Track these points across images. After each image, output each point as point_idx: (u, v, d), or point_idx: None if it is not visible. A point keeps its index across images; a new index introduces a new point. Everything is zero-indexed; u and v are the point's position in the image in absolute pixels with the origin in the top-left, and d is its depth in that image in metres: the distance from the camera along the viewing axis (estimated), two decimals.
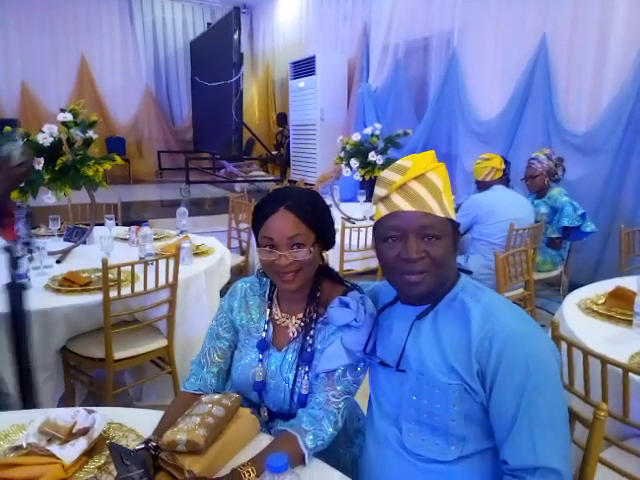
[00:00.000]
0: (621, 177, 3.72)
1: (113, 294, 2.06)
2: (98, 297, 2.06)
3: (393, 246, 0.99)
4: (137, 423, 1.17)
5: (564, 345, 1.39)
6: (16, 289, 1.52)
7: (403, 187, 0.98)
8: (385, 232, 1.00)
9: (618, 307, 1.80)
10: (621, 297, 1.83)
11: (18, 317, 1.54)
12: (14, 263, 1.50)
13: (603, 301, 1.90)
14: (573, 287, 2.19)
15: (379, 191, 1.02)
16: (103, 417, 1.15)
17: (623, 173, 3.70)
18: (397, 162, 1.02)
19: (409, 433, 1.00)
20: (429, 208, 0.96)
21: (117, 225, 3.50)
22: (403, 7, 5.65)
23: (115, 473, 0.96)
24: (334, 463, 1.09)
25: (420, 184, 0.98)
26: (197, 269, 2.52)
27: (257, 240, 1.19)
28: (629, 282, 1.98)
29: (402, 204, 0.97)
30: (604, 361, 1.24)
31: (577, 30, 3.91)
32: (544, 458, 0.87)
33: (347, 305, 1.13)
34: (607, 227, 3.76)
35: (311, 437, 1.05)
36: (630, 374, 1.23)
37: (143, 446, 0.99)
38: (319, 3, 7.55)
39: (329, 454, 1.11)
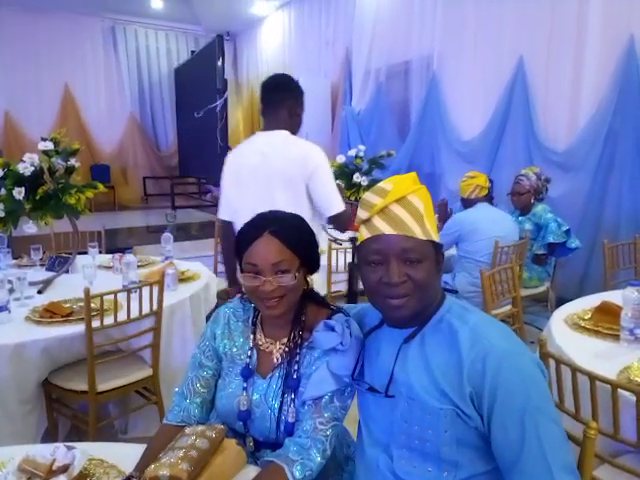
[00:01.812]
0: (602, 193, 3.78)
1: (96, 324, 2.01)
2: (80, 328, 2.01)
3: (375, 270, 0.98)
4: (119, 458, 1.13)
5: (552, 363, 1.38)
6: None
7: (384, 210, 0.97)
8: (367, 256, 0.99)
9: (605, 322, 1.80)
10: (607, 312, 1.83)
11: None
12: None
13: (590, 316, 1.90)
14: (560, 302, 2.19)
15: (361, 213, 1.01)
16: (83, 453, 1.10)
17: (603, 189, 3.76)
18: (378, 184, 1.02)
19: (400, 460, 0.98)
20: (410, 231, 0.95)
21: (101, 253, 3.45)
22: (383, 32, 5.78)
23: None
24: None
25: (401, 207, 0.97)
26: (182, 295, 2.48)
27: (240, 266, 1.17)
28: (615, 296, 1.98)
29: (383, 227, 0.97)
30: (592, 378, 1.23)
31: (553, 51, 4.01)
32: (560, 477, 0.85)
33: (332, 328, 1.11)
34: (591, 242, 3.81)
35: (299, 467, 1.02)
36: (619, 390, 1.22)
37: None
38: (301, 30, 7.69)
39: None
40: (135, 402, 2.41)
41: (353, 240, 2.27)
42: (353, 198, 3.85)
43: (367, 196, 1.01)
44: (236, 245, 1.18)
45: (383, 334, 1.09)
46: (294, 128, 2.11)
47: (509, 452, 0.89)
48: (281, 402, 1.13)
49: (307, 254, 1.17)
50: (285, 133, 2.07)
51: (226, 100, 7.33)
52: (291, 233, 1.14)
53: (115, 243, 5.26)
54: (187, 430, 1.08)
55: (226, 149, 7.54)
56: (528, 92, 4.21)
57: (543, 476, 0.86)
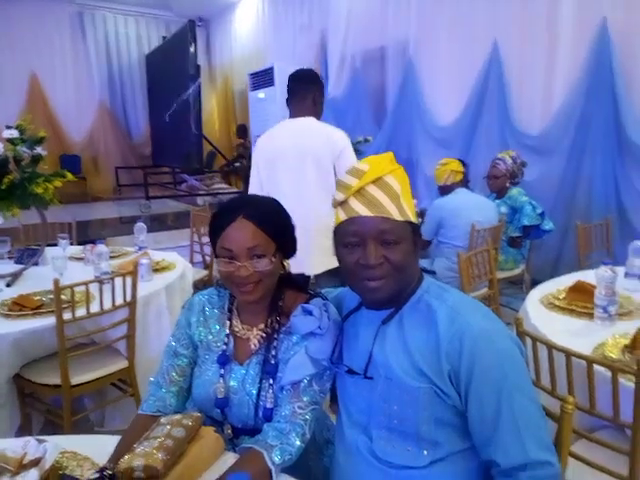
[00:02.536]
0: (574, 176, 3.84)
1: (67, 316, 1.96)
2: (51, 320, 1.95)
3: (352, 252, 0.97)
4: (93, 451, 1.09)
5: (529, 341, 1.40)
6: None
7: (360, 191, 0.96)
8: (344, 238, 0.98)
9: (579, 301, 1.83)
10: (581, 291, 1.86)
11: None
12: None
13: (564, 296, 1.92)
14: (535, 284, 2.22)
15: (337, 195, 0.99)
16: (55, 446, 1.06)
17: (576, 172, 3.82)
18: (354, 165, 1.00)
19: (379, 440, 0.98)
20: (387, 212, 0.94)
21: (72, 245, 3.36)
22: (359, 17, 5.73)
23: None
24: (304, 476, 1.06)
25: (378, 188, 0.96)
26: (157, 286, 2.44)
27: (215, 251, 1.14)
28: (588, 276, 2.02)
29: (360, 209, 0.95)
30: (568, 354, 1.25)
31: (526, 34, 4.03)
32: (535, 453, 0.87)
33: (310, 313, 1.10)
34: (564, 225, 3.87)
35: (278, 452, 1.00)
36: (594, 366, 1.24)
37: (98, 475, 0.93)
38: (275, 14, 7.57)
39: (298, 467, 1.07)
40: (111, 395, 2.37)
41: None
42: None
43: (343, 177, 1.00)
44: (210, 230, 1.15)
45: (361, 316, 1.08)
46: (318, 115, 2.36)
47: (485, 428, 0.90)
48: (259, 388, 1.12)
49: (283, 238, 1.15)
50: (312, 119, 2.32)
51: (199, 87, 7.19)
52: (266, 217, 1.12)
53: (87, 235, 5.14)
54: (163, 419, 1.05)
55: (200, 137, 7.43)
56: (502, 76, 4.23)
57: (517, 451, 0.87)
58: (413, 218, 0.98)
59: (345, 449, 1.06)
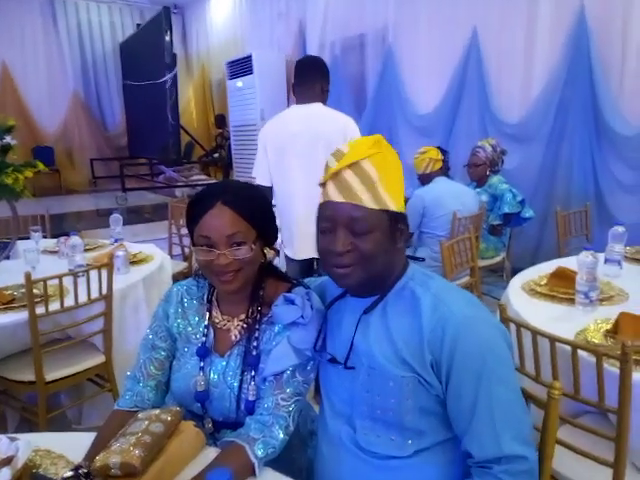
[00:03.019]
0: (553, 163, 3.87)
1: (40, 310, 1.90)
2: (23, 315, 1.89)
3: (325, 237, 0.95)
4: (68, 448, 1.05)
5: (513, 327, 1.39)
6: None
7: (337, 175, 0.93)
8: (319, 222, 0.97)
9: (560, 287, 1.83)
10: (562, 277, 1.87)
11: None
12: None
13: (545, 282, 1.93)
14: (515, 272, 2.22)
15: (321, 177, 0.97)
16: (27, 444, 1.02)
17: (555, 159, 3.85)
18: (339, 147, 0.98)
19: (363, 431, 0.96)
20: (359, 200, 0.91)
21: (45, 238, 3.26)
22: (337, 4, 5.66)
23: None
24: (288, 469, 1.02)
25: (353, 173, 0.92)
26: (134, 278, 2.37)
27: (192, 239, 1.10)
28: (569, 262, 2.03)
29: (333, 194, 0.93)
30: (553, 339, 1.24)
31: (506, 22, 4.03)
32: (508, 447, 0.85)
33: (292, 302, 1.07)
34: (543, 213, 3.90)
35: (261, 445, 0.98)
36: (578, 351, 1.23)
37: (72, 473, 0.89)
38: (252, 1, 7.44)
39: (282, 460, 1.04)
40: (88, 391, 2.32)
41: None
42: None
43: (328, 158, 0.97)
44: (187, 217, 1.11)
45: (346, 304, 1.06)
46: (324, 101, 2.39)
47: (462, 418, 0.89)
48: (241, 380, 1.09)
49: (263, 225, 1.12)
50: (320, 105, 2.34)
51: (176, 76, 7.04)
52: (245, 203, 1.08)
53: (61, 228, 4.99)
54: (140, 415, 1.02)
55: (178, 127, 7.29)
56: (482, 64, 4.23)
57: (491, 443, 0.85)
58: (395, 206, 0.94)
59: (328, 440, 1.04)
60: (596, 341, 1.41)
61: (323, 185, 0.97)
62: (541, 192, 3.94)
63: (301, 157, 2.30)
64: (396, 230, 0.96)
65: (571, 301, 1.73)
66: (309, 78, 2.37)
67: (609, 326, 1.48)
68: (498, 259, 3.52)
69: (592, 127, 3.56)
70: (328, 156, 0.98)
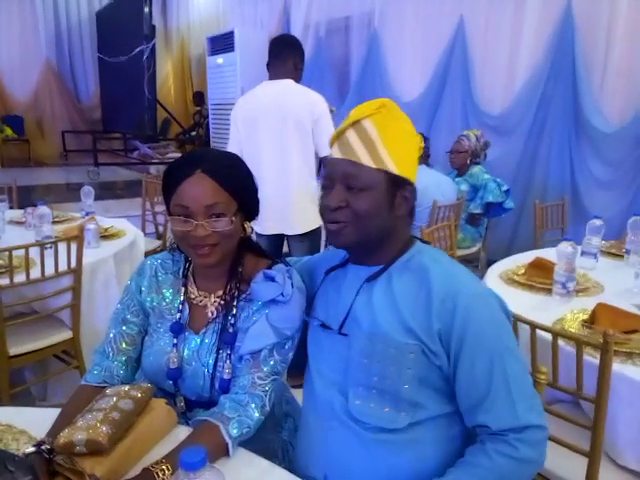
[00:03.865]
0: (532, 156, 3.91)
1: (4, 281, 1.82)
2: None
3: (324, 195, 0.97)
4: (31, 424, 1.00)
5: None
6: None
7: (340, 135, 0.95)
8: (322, 181, 0.99)
9: (538, 277, 1.84)
10: (540, 267, 1.88)
11: None
12: None
13: (523, 271, 1.94)
14: (490, 263, 2.23)
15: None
16: None
17: (534, 153, 3.89)
18: None
19: (356, 399, 0.94)
20: (356, 157, 0.92)
21: (12, 209, 3.13)
22: None
23: None
24: (262, 450, 0.99)
25: (354, 131, 0.94)
26: (105, 253, 2.30)
27: (168, 209, 1.05)
28: (546, 254, 2.05)
29: (335, 152, 0.96)
30: (533, 326, 1.24)
31: (492, 13, 4.02)
32: (525, 417, 0.86)
33: (272, 279, 1.04)
34: (520, 205, 3.94)
35: (235, 425, 0.94)
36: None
37: (34, 449, 0.85)
38: None
39: (255, 441, 1.01)
40: (54, 367, 2.25)
41: None
42: None
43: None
44: (163, 185, 1.05)
45: (346, 273, 1.04)
46: (297, 79, 2.42)
47: (475, 391, 0.89)
48: (216, 358, 1.05)
49: (245, 197, 1.07)
50: (291, 81, 2.37)
51: (154, 48, 6.82)
52: (227, 172, 1.03)
53: (30, 200, 4.80)
54: (108, 391, 0.97)
55: (154, 102, 7.09)
56: (467, 54, 4.22)
57: (508, 413, 0.87)
58: (396, 169, 0.93)
59: (317, 410, 1.01)
60: (573, 330, 1.42)
61: (331, 147, 0.99)
62: (519, 185, 3.97)
63: (271, 131, 2.32)
64: (395, 195, 0.95)
65: (548, 291, 1.75)
66: (282, 55, 2.40)
67: (586, 316, 1.50)
68: (474, 249, 3.54)
69: (572, 123, 3.60)
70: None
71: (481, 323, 0.88)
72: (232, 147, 2.42)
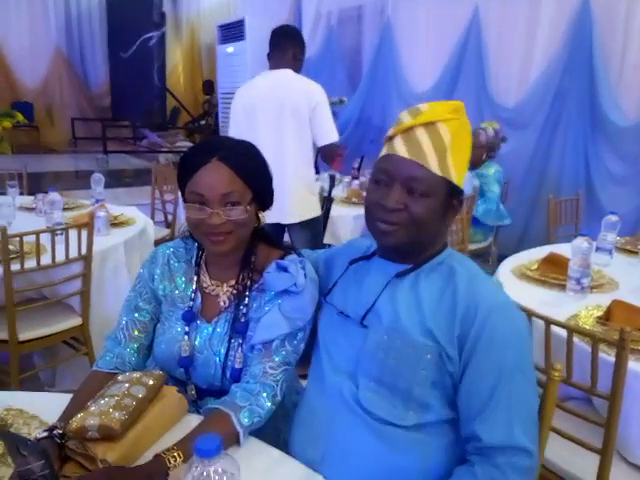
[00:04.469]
0: (546, 150, 3.86)
1: (15, 267, 1.82)
2: None
3: (377, 190, 0.92)
4: (43, 409, 1.01)
5: None
6: None
7: (408, 131, 0.90)
8: (376, 174, 0.94)
9: (552, 272, 1.82)
10: (554, 262, 1.86)
11: None
12: None
13: (536, 267, 1.91)
14: (501, 258, 2.21)
15: (390, 130, 0.94)
16: None
17: (548, 146, 3.83)
18: (417, 105, 0.95)
19: (366, 391, 0.92)
20: (425, 161, 0.88)
21: (22, 195, 3.13)
22: None
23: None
24: (272, 439, 0.99)
25: (426, 133, 0.89)
26: (115, 240, 2.30)
27: (183, 196, 1.04)
28: (559, 249, 2.02)
29: (400, 148, 0.90)
30: (548, 322, 1.22)
31: (508, 3, 3.96)
32: (519, 438, 0.83)
33: (285, 269, 1.02)
34: (532, 199, 3.90)
35: (246, 414, 0.94)
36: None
37: (46, 434, 0.85)
38: None
39: (266, 430, 1.00)
40: (63, 353, 2.26)
41: (332, 177, 2.70)
42: None
43: (401, 113, 0.94)
44: (179, 172, 1.04)
45: (370, 265, 1.02)
46: (297, 69, 2.44)
47: (476, 400, 0.86)
48: (228, 347, 1.04)
49: (260, 186, 1.06)
50: (290, 71, 2.40)
51: (164, 36, 6.80)
52: (243, 161, 1.02)
53: (39, 187, 4.81)
54: (120, 377, 0.97)
55: (164, 90, 7.08)
56: (481, 45, 4.16)
57: (503, 430, 0.84)
58: (456, 179, 0.91)
59: (324, 393, 0.99)
60: (587, 327, 1.40)
61: (389, 138, 0.93)
62: (531, 178, 3.93)
63: (268, 120, 2.35)
64: (450, 204, 0.93)
65: (562, 287, 1.72)
66: (281, 45, 2.42)
67: (600, 313, 1.48)
68: (485, 244, 3.51)
69: (588, 116, 3.55)
70: (403, 111, 0.94)
71: (496, 333, 0.86)
72: (231, 135, 2.44)
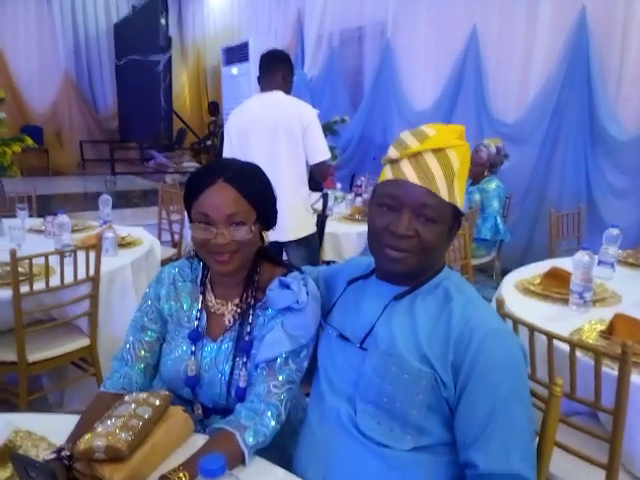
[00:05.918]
0: (547, 165, 3.88)
1: (24, 289, 1.85)
2: (7, 293, 1.84)
3: (385, 214, 0.91)
4: (51, 430, 1.02)
5: (509, 323, 1.37)
6: None
7: (416, 156, 0.89)
8: (382, 198, 0.92)
9: (554, 286, 1.82)
10: (556, 277, 1.86)
11: None
12: None
13: (539, 281, 1.92)
14: (504, 272, 2.22)
15: (391, 152, 0.92)
16: (7, 424, 0.99)
17: (549, 161, 3.86)
18: (420, 127, 0.94)
19: (364, 414, 0.93)
20: (436, 188, 0.88)
21: (32, 217, 3.18)
22: None
23: None
24: (277, 458, 0.99)
25: (436, 159, 0.89)
26: (122, 261, 2.32)
27: (189, 215, 1.07)
28: (562, 263, 2.02)
29: (409, 174, 0.88)
30: (550, 337, 1.23)
31: (505, 22, 4.02)
32: (517, 465, 0.82)
33: (288, 286, 1.04)
34: (534, 214, 3.91)
35: (251, 433, 0.94)
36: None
37: (54, 456, 0.86)
38: None
39: (272, 450, 1.01)
40: (71, 374, 2.27)
41: (325, 195, 2.71)
42: None
43: (404, 135, 0.93)
44: (186, 192, 1.07)
45: (367, 285, 1.03)
46: (287, 91, 2.52)
47: (472, 427, 0.86)
48: (232, 366, 1.06)
49: (264, 207, 1.09)
50: (281, 92, 2.47)
51: (170, 59, 6.94)
52: (248, 182, 1.05)
53: (48, 209, 4.88)
54: (127, 398, 0.98)
55: (170, 112, 7.20)
56: (480, 62, 4.22)
57: (501, 457, 0.83)
58: (460, 204, 0.92)
59: (323, 413, 1.00)
60: (591, 341, 1.40)
61: (393, 161, 0.92)
62: (533, 193, 3.94)
63: (262, 141, 2.41)
64: (453, 228, 0.94)
65: (565, 301, 1.73)
66: (271, 68, 2.49)
67: (603, 327, 1.48)
68: (488, 258, 3.52)
69: (587, 130, 3.57)
70: (404, 133, 0.93)
71: (491, 363, 0.85)
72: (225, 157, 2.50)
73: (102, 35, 9.57)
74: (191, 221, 1.05)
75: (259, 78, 2.52)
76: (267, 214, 1.10)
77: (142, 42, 7.59)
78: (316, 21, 5.83)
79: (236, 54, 6.71)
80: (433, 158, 0.88)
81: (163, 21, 6.81)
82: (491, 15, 4.10)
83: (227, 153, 2.50)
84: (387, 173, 0.93)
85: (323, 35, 5.82)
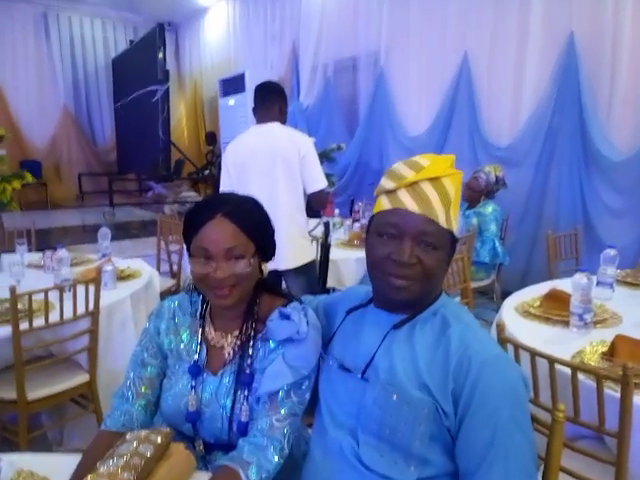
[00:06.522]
0: (542, 187, 3.91)
1: (24, 326, 1.84)
2: (6, 330, 1.83)
3: (386, 244, 0.92)
4: (53, 470, 1.00)
5: (510, 348, 1.37)
6: None
7: (414, 185, 0.91)
8: (382, 227, 0.93)
9: (554, 309, 1.82)
10: (556, 299, 1.87)
11: None
12: None
13: (539, 304, 1.92)
14: (505, 294, 2.22)
15: (386, 183, 0.94)
16: (10, 464, 0.98)
17: (544, 183, 3.89)
18: (413, 158, 0.96)
19: (367, 446, 0.92)
20: (435, 215, 0.90)
21: (31, 252, 3.19)
22: (330, 27, 5.75)
23: None
24: None
25: (433, 187, 0.91)
26: (122, 294, 2.32)
27: (188, 250, 1.07)
28: (562, 284, 2.03)
29: (408, 203, 0.90)
30: (552, 361, 1.23)
31: (496, 48, 4.11)
32: None
33: (288, 317, 1.04)
34: (532, 236, 3.93)
35: (255, 469, 0.94)
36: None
37: None
38: (246, 22, 7.53)
39: None
40: (71, 411, 2.23)
41: (327, 224, 2.66)
42: None
43: (398, 166, 0.95)
44: (185, 227, 1.08)
45: (365, 314, 1.03)
46: (283, 122, 2.57)
47: (473, 456, 0.85)
48: (233, 400, 1.05)
49: (263, 239, 1.10)
50: (277, 123, 2.51)
51: (168, 91, 7.06)
52: (246, 216, 1.06)
53: (47, 242, 4.88)
54: (128, 436, 0.97)
55: (168, 143, 7.28)
56: (472, 88, 4.29)
57: None
58: (455, 230, 0.94)
59: (326, 447, 0.99)
60: (593, 363, 1.40)
61: (389, 192, 0.93)
62: (530, 215, 3.97)
63: (260, 172, 2.44)
64: (451, 253, 0.96)
65: (565, 323, 1.72)
66: (267, 100, 2.53)
67: (605, 348, 1.48)
68: (488, 281, 3.52)
69: (580, 152, 3.61)
70: (398, 164, 0.95)
71: (491, 387, 0.85)
72: (223, 189, 2.52)
73: (101, 70, 9.76)
74: (190, 255, 1.06)
75: (254, 110, 2.56)
76: (265, 246, 1.10)
77: (140, 75, 7.74)
78: (311, 52, 5.95)
79: (233, 85, 6.84)
80: (430, 187, 0.90)
81: (161, 55, 6.96)
82: (482, 41, 4.19)
83: (225, 185, 2.53)
84: (384, 203, 0.94)
85: (318, 66, 5.94)
